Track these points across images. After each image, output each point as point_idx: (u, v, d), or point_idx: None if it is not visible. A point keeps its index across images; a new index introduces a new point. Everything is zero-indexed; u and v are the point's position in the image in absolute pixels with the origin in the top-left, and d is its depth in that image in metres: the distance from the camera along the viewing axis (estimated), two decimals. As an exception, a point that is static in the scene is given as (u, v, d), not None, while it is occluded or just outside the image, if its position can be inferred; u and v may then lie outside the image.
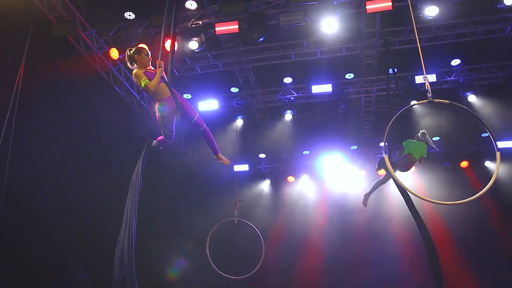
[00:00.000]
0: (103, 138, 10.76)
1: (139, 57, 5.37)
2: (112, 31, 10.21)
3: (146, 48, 5.50)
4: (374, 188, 7.56)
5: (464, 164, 13.77)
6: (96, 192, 10.41)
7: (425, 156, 7.33)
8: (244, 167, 14.44)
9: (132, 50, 5.43)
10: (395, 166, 6.94)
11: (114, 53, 10.05)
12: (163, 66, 5.21)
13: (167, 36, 5.48)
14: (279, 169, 15.13)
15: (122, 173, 11.24)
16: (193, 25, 9.87)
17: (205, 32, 9.79)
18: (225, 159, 5.87)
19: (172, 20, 5.36)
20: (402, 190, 6.65)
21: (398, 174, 7.00)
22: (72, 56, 9.70)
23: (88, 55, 10.04)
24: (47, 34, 9.09)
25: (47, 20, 9.10)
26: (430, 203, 5.08)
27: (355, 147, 14.31)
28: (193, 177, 14.28)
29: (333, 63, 11.52)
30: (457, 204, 4.89)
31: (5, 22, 8.08)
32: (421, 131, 7.47)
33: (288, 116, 12.57)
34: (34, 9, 8.77)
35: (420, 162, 7.32)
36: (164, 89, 5.28)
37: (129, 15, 10.09)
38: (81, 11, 9.61)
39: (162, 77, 5.26)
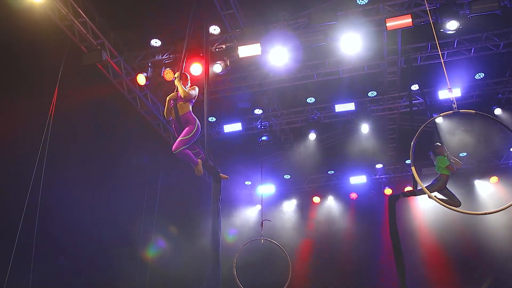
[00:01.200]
0: (131, 162, 11.01)
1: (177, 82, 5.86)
2: (139, 58, 10.48)
3: (179, 74, 5.94)
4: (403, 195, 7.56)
5: (493, 179, 13.48)
6: (120, 213, 10.60)
7: (448, 163, 7.25)
8: (270, 188, 14.54)
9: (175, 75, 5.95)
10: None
11: (141, 79, 10.29)
12: (176, 94, 5.75)
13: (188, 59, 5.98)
14: (304, 190, 15.16)
15: (148, 193, 11.50)
16: (217, 49, 10.07)
17: (229, 56, 9.93)
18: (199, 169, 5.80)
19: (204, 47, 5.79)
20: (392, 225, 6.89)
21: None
22: (102, 83, 10.10)
23: (116, 81, 10.41)
24: (78, 62, 9.48)
25: (78, 49, 9.51)
26: (460, 215, 5.02)
27: (381, 165, 14.20)
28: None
29: (355, 81, 11.55)
30: (489, 214, 4.84)
31: (39, 52, 8.50)
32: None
33: (312, 136, 12.57)
34: (66, 39, 9.21)
35: (454, 171, 7.26)
36: (181, 108, 5.55)
37: (155, 42, 10.33)
38: (109, 40, 9.98)
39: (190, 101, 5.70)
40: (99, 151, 10.19)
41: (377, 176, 14.51)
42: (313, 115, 12.37)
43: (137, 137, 11.24)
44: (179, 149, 5.32)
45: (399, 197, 7.46)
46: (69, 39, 9.23)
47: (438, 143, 7.51)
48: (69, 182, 9.39)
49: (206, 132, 5.55)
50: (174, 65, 9.98)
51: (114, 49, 10.04)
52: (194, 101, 5.81)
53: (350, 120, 12.36)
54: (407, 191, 7.80)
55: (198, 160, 5.60)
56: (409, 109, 9.42)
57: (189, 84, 5.92)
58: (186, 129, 5.46)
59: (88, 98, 9.58)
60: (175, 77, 5.89)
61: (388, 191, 13.96)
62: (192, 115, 5.60)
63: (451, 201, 7.21)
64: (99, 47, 9.61)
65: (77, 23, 9.14)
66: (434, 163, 7.49)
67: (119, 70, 10.24)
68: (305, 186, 15.13)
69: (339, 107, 11.76)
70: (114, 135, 10.48)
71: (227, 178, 5.85)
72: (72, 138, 9.60)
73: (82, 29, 9.29)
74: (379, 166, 14.26)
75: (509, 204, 4.65)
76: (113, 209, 10.38)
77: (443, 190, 7.34)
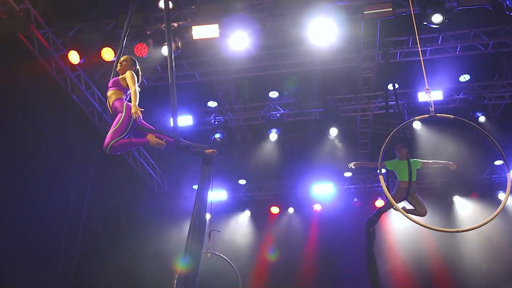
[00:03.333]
0: (54, 150, 10.76)
1: None
2: (73, 31, 10.18)
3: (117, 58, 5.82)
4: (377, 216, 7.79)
5: (474, 195, 14.01)
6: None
7: (414, 179, 7.52)
8: (222, 195, 14.54)
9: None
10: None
11: (74, 57, 10.01)
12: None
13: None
14: (261, 198, 15.21)
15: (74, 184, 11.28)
16: (167, 28, 9.95)
17: (181, 36, 9.83)
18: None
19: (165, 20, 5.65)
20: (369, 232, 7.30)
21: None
22: (24, 59, 9.81)
23: (42, 57, 10.11)
24: None
25: None
26: (432, 233, 5.19)
27: (350, 174, 14.40)
28: (162, 205, 14.32)
29: (326, 76, 11.68)
30: (461, 231, 5.03)
31: None
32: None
33: (273, 136, 12.52)
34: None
35: (411, 186, 7.51)
36: (109, 98, 5.57)
37: (93, 14, 10.11)
38: (36, 7, 9.64)
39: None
40: (18, 141, 9.92)
41: (345, 186, 14.70)
42: (275, 112, 12.42)
43: (66, 127, 10.98)
44: (109, 144, 5.12)
45: (377, 220, 7.68)
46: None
47: (399, 144, 7.73)
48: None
49: (173, 114, 5.39)
50: (115, 43, 9.81)
51: (41, 17, 9.74)
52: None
53: (317, 120, 12.48)
54: (379, 208, 8.00)
55: (146, 136, 5.38)
56: (384, 111, 9.64)
57: (139, 72, 5.77)
58: (116, 119, 5.34)
59: (5, 77, 9.24)
60: (119, 63, 5.66)
61: (380, 202, 13.87)
62: (119, 101, 5.42)
63: (415, 211, 7.50)
64: (21, 13, 9.30)
65: (-7, -19, 8.86)
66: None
67: (46, 44, 9.96)
68: (263, 194, 15.19)
69: (306, 105, 11.89)
70: (38, 122, 10.20)
71: (215, 152, 5.56)
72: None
73: (1, -11, 9.01)
74: (348, 174, 14.44)
75: (483, 222, 4.84)
76: (33, 206, 10.29)
77: (408, 198, 7.58)
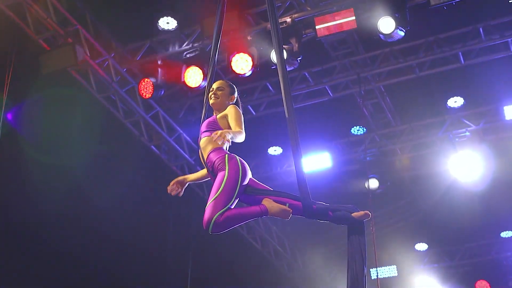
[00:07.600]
0: (134, 223, 11.33)
1: None
2: (141, 53, 10.60)
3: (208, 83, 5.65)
4: None
5: None
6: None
7: None
8: (391, 270, 15.06)
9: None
10: None
11: (147, 89, 10.23)
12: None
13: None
14: (456, 270, 15.23)
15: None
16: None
17: (299, 36, 9.88)
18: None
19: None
20: None
21: None
22: (79, 99, 10.26)
23: (103, 96, 10.53)
24: (37, 66, 9.62)
25: (35, 44, 9.65)
26: None
27: None
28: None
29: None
30: None
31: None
32: None
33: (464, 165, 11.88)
34: (13, 28, 9.34)
35: None
36: (204, 147, 5.45)
37: (167, 23, 10.37)
38: (87, 26, 10.05)
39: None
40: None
41: None
42: (461, 130, 12.04)
43: (147, 191, 11.61)
44: (211, 221, 4.87)
45: None
46: (17, 27, 9.33)
47: None
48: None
49: (295, 157, 5.03)
50: (202, 60, 10.12)
51: (96, 40, 10.09)
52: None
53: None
54: None
55: (262, 201, 5.16)
56: None
57: (239, 101, 5.56)
58: (215, 182, 5.09)
59: (56, 125, 9.84)
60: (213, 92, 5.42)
61: None
62: (220, 153, 5.17)
63: None
64: (70, 40, 9.62)
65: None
66: None
67: (107, 76, 10.29)
68: (459, 263, 14.98)
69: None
70: (107, 185, 10.70)
71: (369, 215, 5.20)
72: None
73: (39, 10, 9.35)
74: None
75: None
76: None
77: None
